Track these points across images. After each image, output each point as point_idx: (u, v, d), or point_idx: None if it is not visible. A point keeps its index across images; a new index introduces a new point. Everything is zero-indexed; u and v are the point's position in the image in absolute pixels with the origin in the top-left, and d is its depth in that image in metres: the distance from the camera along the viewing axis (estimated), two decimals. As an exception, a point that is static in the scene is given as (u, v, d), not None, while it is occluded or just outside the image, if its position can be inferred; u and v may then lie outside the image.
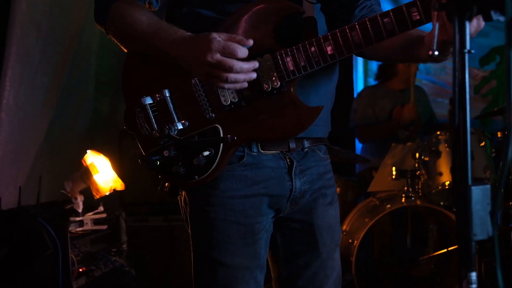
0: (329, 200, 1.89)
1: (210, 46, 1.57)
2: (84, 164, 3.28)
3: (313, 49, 1.64)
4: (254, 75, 1.62)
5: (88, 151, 3.37)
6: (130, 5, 1.76)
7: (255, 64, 1.63)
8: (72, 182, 3.23)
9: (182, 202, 1.85)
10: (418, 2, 1.55)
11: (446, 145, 3.90)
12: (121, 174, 3.61)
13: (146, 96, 1.73)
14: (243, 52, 1.59)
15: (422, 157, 3.93)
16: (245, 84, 1.62)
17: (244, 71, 1.60)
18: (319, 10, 1.87)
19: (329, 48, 1.63)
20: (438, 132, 4.01)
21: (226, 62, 1.57)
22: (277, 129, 1.70)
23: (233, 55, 1.58)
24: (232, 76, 1.59)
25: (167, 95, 1.73)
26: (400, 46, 1.75)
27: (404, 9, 1.56)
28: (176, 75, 1.72)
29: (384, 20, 1.58)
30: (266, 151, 1.77)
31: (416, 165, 3.92)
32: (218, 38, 1.58)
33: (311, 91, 1.80)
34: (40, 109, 3.87)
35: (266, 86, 1.67)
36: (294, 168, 1.80)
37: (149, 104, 1.73)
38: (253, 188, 1.75)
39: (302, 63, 1.65)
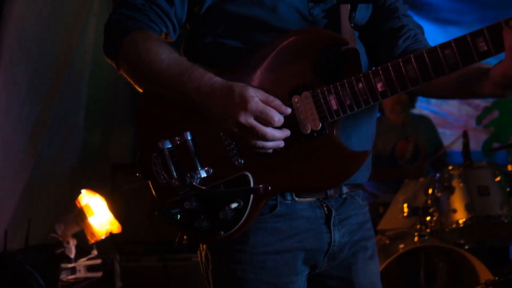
0: (370, 253, 1.69)
1: (246, 106, 1.37)
2: (78, 205, 3.02)
3: (360, 85, 1.44)
4: (282, 144, 1.43)
5: (83, 191, 3.11)
6: (147, 39, 1.53)
7: (287, 133, 1.43)
8: (64, 224, 2.96)
9: (203, 258, 1.62)
10: (485, 31, 1.35)
11: (459, 180, 3.73)
12: (114, 210, 3.36)
13: (165, 139, 1.50)
14: (280, 120, 1.39)
15: (435, 193, 3.75)
16: (271, 150, 1.44)
17: (275, 140, 1.41)
18: (357, 39, 1.67)
19: (379, 85, 1.43)
20: (451, 167, 3.84)
21: (260, 129, 1.38)
22: (319, 177, 1.49)
23: (268, 123, 1.38)
24: (260, 143, 1.40)
25: (189, 138, 1.51)
26: (457, 81, 1.54)
27: (469, 38, 1.36)
28: (199, 115, 1.48)
29: (445, 52, 1.38)
30: (301, 199, 1.56)
31: (429, 201, 3.74)
32: (256, 98, 1.38)
33: (352, 132, 1.60)
34: (27, 142, 3.61)
35: (306, 128, 1.46)
36: (332, 218, 1.60)
37: (168, 148, 1.50)
38: (287, 242, 1.55)
39: (348, 102, 1.45)
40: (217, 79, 1.44)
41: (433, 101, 5.73)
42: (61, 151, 4.12)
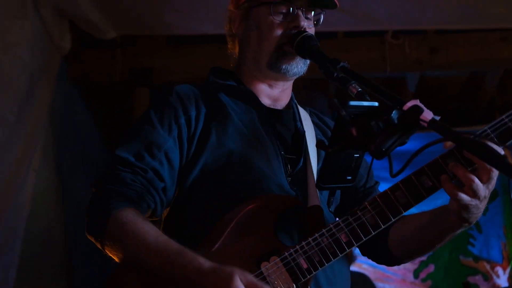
0: None
1: None
2: None
3: (325, 240, 1.52)
4: None
5: None
6: (134, 220, 1.57)
7: None
8: None
9: None
10: (425, 168, 1.52)
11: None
12: None
13: None
14: None
15: None
16: None
17: None
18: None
19: (343, 236, 1.52)
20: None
21: None
22: None
23: None
24: None
25: None
26: (424, 228, 1.69)
27: (414, 177, 1.49)
28: None
29: (395, 193, 1.50)
30: None
31: None
32: (240, 284, 1.40)
33: (326, 282, 1.65)
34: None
35: None
36: None
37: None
38: None
39: (317, 258, 1.52)
40: (206, 264, 1.46)
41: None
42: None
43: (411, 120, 1.33)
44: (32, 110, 4.06)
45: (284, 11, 1.86)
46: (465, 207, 1.52)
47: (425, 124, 1.31)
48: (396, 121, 1.36)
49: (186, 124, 1.77)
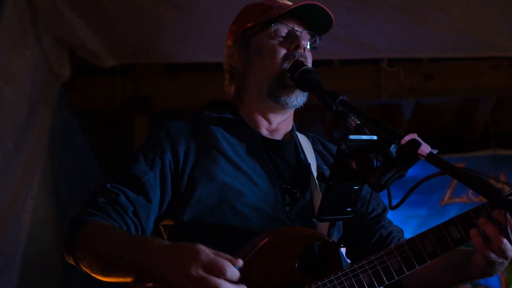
0: None
1: (197, 258, 1.42)
2: None
3: (348, 280, 1.54)
4: None
5: None
6: (103, 227, 1.63)
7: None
8: None
9: None
10: (456, 220, 1.56)
11: None
12: None
13: None
14: (232, 272, 1.43)
15: None
16: None
17: None
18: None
19: (366, 277, 1.55)
20: None
21: (212, 280, 1.40)
22: None
23: (220, 273, 1.42)
24: None
25: None
26: (443, 270, 1.70)
27: (443, 228, 1.53)
28: None
29: (423, 241, 1.53)
30: None
31: None
32: (207, 250, 1.43)
33: None
34: None
35: None
36: None
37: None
38: None
39: None
40: (165, 242, 1.52)
41: None
42: None
43: (409, 154, 1.37)
44: (31, 137, 4.09)
45: (284, 33, 1.91)
46: (492, 263, 1.57)
47: (423, 158, 1.35)
48: (394, 155, 1.40)
49: (172, 159, 1.81)
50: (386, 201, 1.63)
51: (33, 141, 4.11)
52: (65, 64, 4.45)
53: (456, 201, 5.26)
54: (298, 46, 1.88)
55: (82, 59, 4.49)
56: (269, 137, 1.98)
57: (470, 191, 5.28)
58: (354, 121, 1.57)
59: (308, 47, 1.95)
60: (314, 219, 1.78)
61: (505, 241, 1.52)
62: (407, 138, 1.39)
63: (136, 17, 4.09)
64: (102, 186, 1.76)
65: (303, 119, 4.78)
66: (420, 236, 1.56)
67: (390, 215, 1.97)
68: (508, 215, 1.42)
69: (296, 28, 1.92)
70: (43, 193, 4.25)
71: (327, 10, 1.92)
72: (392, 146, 1.40)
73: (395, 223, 2.01)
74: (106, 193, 1.73)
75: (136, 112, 4.73)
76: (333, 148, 2.08)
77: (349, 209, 1.60)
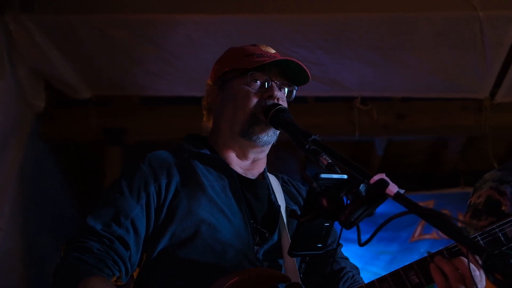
0: None
1: None
2: None
3: None
4: None
5: None
6: (100, 285, 1.61)
7: None
8: None
9: None
10: (415, 265, 1.59)
11: None
12: None
13: None
14: None
15: None
16: None
17: None
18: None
19: None
20: None
21: None
22: None
23: None
24: None
25: None
26: None
27: (402, 272, 1.55)
28: None
29: (383, 285, 1.56)
30: None
31: None
32: None
33: None
34: None
35: None
36: None
37: None
38: None
39: None
40: None
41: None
42: None
43: (378, 193, 1.40)
44: (1, 168, 4.04)
45: (259, 82, 1.96)
46: None
47: (391, 197, 1.38)
48: (363, 194, 1.43)
49: (156, 192, 1.82)
50: (355, 238, 1.65)
51: (3, 172, 4.06)
52: (40, 95, 4.44)
53: (426, 238, 5.33)
54: (271, 97, 1.93)
55: (58, 90, 4.49)
56: (244, 175, 2.01)
57: (440, 228, 5.34)
58: (326, 159, 1.60)
59: (285, 95, 1.99)
60: (280, 260, 1.80)
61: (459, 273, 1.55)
62: (376, 177, 1.42)
63: (112, 50, 4.12)
64: (91, 228, 1.73)
65: (277, 155, 4.82)
66: (380, 280, 1.59)
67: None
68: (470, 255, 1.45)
69: (273, 78, 1.97)
70: (12, 225, 4.18)
71: (304, 66, 1.97)
72: (361, 185, 1.43)
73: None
74: (99, 237, 1.71)
75: (110, 144, 4.72)
76: (303, 189, 2.11)
77: (319, 245, 1.62)
